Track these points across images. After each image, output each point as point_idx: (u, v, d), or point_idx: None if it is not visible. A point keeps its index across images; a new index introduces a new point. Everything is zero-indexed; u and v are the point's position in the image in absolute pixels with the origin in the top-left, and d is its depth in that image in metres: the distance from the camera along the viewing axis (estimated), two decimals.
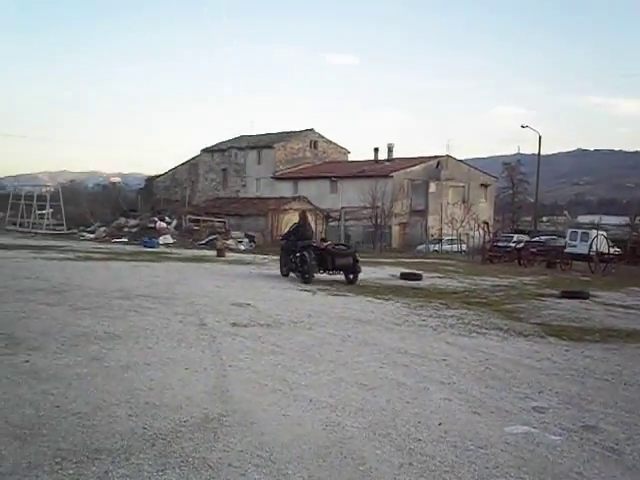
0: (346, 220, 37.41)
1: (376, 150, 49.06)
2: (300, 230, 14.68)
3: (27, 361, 5.33)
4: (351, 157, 54.30)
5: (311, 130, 52.23)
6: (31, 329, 6.70)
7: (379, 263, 21.28)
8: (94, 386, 4.71)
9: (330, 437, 3.92)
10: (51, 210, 37.34)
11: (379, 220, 36.64)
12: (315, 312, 9.05)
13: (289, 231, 15.43)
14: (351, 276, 14.09)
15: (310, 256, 13.74)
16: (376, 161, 48.24)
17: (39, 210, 36.70)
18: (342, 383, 5.20)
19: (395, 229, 40.49)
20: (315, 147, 52.01)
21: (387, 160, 47.82)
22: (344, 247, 15.78)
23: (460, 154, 67.55)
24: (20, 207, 36.70)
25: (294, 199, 37.15)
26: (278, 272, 14.86)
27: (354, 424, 4.18)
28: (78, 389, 4.61)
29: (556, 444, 4.01)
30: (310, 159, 51.17)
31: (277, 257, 21.13)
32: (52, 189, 42.10)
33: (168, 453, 3.52)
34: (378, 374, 5.59)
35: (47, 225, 36.00)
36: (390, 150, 48.88)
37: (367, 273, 16.41)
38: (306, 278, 13.56)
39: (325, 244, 15.10)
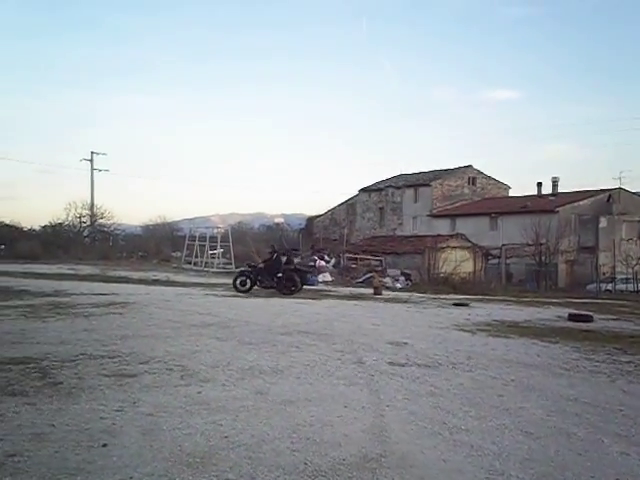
0: (507, 258, 36.01)
1: (539, 185, 47.16)
2: (287, 257, 19.87)
3: (199, 392, 5.72)
4: (512, 192, 52.62)
5: (469, 167, 51.48)
6: (203, 362, 7.19)
7: (544, 303, 20.16)
8: (259, 419, 4.92)
9: None
10: (221, 250, 40.01)
11: (543, 258, 34.78)
12: (475, 353, 8.76)
13: (271, 258, 19.71)
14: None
15: (297, 275, 19.25)
16: (539, 196, 46.24)
17: (211, 250, 39.47)
18: (506, 430, 4.96)
19: (561, 267, 38.20)
20: (473, 183, 51.09)
21: (551, 195, 45.61)
22: (308, 267, 22.90)
23: (635, 186, 62.59)
24: (195, 247, 39.74)
25: (451, 236, 36.59)
26: (436, 310, 14.99)
27: (520, 474, 3.96)
28: (244, 421, 4.84)
29: None
30: (468, 196, 50.28)
31: (434, 295, 20.87)
32: (222, 230, 45.16)
33: None
34: (545, 422, 5.26)
35: (218, 264, 38.58)
36: (555, 184, 46.65)
37: (531, 314, 15.65)
38: (293, 290, 18.75)
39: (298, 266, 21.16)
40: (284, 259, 19.92)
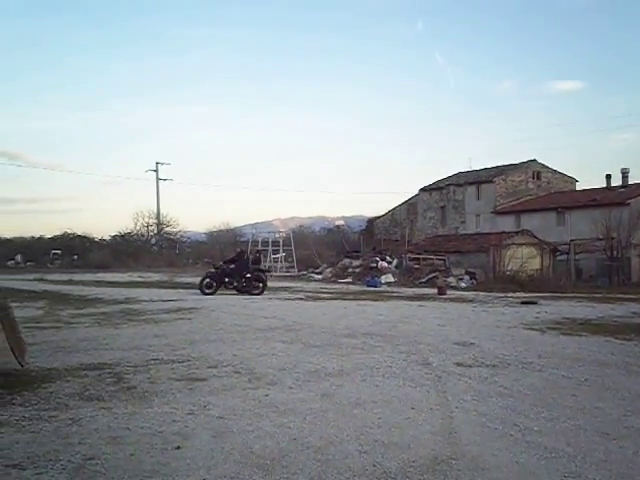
0: (576, 253, 34.83)
1: (608, 177, 45.31)
2: (255, 258, 21.75)
3: (267, 395, 5.79)
4: (579, 186, 50.83)
5: (533, 161, 50.05)
6: (269, 365, 7.28)
7: (617, 299, 19.42)
8: (326, 421, 4.94)
9: None
10: (284, 254, 40.45)
11: (615, 252, 33.46)
12: (545, 352, 8.51)
13: (234, 260, 20.42)
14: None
15: (264, 275, 20.69)
16: (608, 188, 44.49)
17: (273, 254, 39.94)
18: (580, 431, 4.80)
19: (635, 261, 36.60)
20: (538, 178, 49.64)
21: (621, 186, 43.80)
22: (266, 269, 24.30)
23: None
24: None
25: (517, 233, 35.61)
26: (503, 309, 14.77)
27: (597, 476, 3.83)
28: (312, 423, 4.87)
29: None
30: (533, 191, 48.88)
31: (501, 294, 20.43)
32: (284, 234, 45.69)
33: None
34: (622, 422, 5.06)
35: (280, 268, 38.99)
36: (624, 176, 44.74)
37: (604, 311, 15.10)
38: (260, 290, 19.61)
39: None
40: (251, 259, 21.09)
